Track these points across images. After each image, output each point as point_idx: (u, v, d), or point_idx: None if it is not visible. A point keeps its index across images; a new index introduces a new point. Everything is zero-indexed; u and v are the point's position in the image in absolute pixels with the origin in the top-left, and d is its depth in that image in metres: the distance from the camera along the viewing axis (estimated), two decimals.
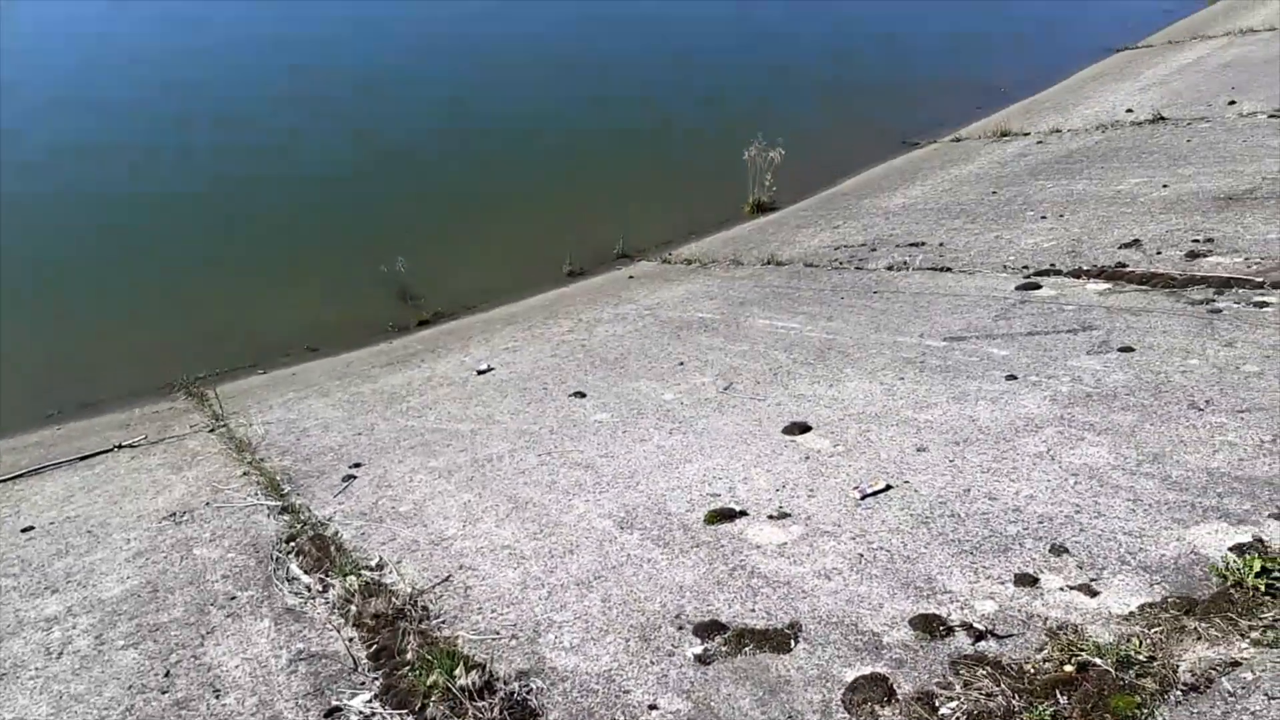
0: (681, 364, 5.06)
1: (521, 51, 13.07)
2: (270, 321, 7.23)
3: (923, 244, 6.64)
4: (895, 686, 2.27)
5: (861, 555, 2.86)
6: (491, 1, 14.90)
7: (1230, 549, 2.56)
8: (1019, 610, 2.47)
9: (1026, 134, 9.39)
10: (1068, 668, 2.21)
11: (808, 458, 3.62)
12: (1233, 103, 8.62)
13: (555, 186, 9.47)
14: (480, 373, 5.55)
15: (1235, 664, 2.14)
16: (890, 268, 6.28)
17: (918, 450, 3.51)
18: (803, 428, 3.91)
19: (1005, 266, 5.72)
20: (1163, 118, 8.64)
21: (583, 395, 4.83)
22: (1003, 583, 2.60)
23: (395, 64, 12.72)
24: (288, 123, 10.66)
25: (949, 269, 5.97)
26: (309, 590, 3.19)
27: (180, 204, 8.88)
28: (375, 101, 11.44)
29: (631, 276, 7.62)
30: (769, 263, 7.10)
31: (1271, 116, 7.86)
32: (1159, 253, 5.32)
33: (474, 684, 2.43)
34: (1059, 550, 2.71)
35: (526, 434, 4.40)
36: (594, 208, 9.03)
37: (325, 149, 10.13)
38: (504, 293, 7.63)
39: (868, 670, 2.34)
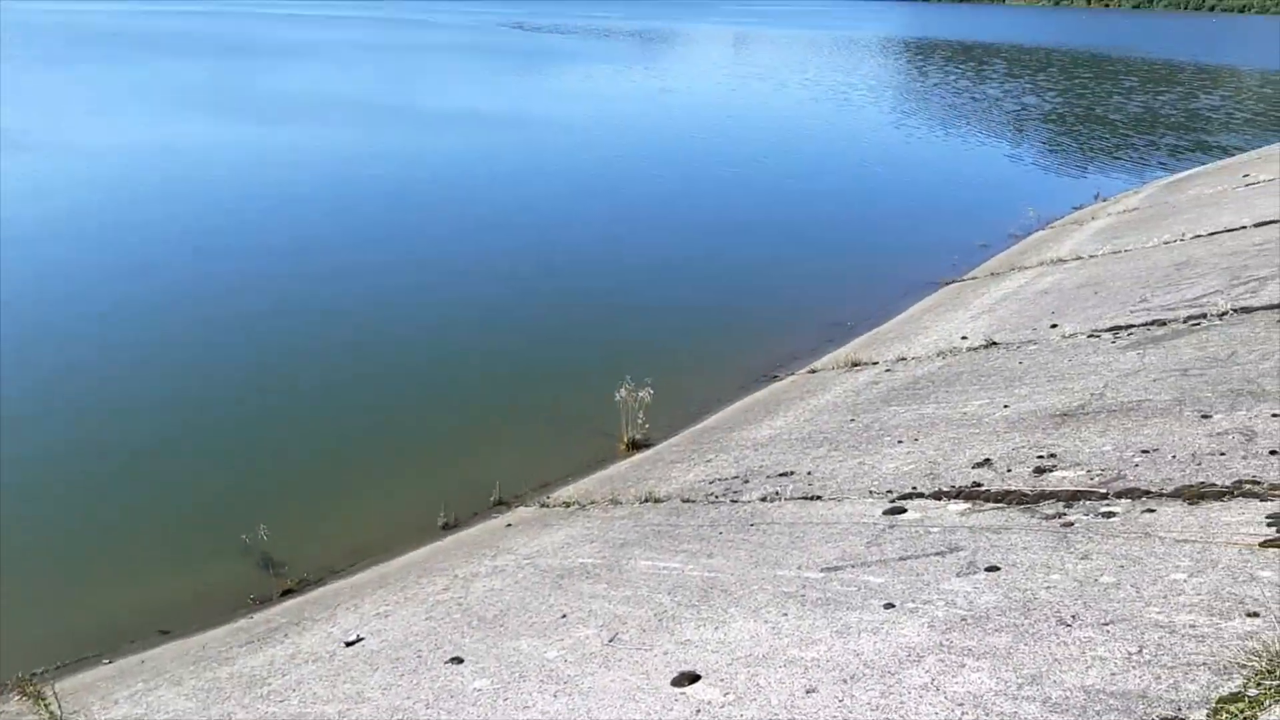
0: (564, 616, 4.89)
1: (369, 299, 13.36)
2: (115, 602, 6.68)
3: (792, 473, 6.84)
4: None
5: None
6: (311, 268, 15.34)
7: None
8: None
9: (875, 363, 10.04)
10: None
11: (699, 711, 3.48)
12: (1055, 325, 9.53)
13: (425, 432, 9.42)
14: (349, 644, 5.21)
15: None
16: (764, 499, 6.40)
17: (807, 692, 3.43)
18: (692, 677, 3.79)
19: (871, 492, 5.92)
20: (995, 342, 9.44)
21: (460, 661, 4.57)
22: None
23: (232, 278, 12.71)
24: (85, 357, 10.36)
25: (819, 497, 6.13)
26: None
27: None
28: (204, 327, 11.26)
29: (510, 524, 7.49)
30: (647, 500, 7.13)
31: (1090, 336, 8.70)
32: (1009, 470, 5.63)
33: None
34: None
35: (399, 711, 4.09)
36: (467, 452, 8.99)
37: (145, 390, 9.83)
38: (375, 551, 7.34)
39: None
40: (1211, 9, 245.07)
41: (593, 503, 7.55)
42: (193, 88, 38.50)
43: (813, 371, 10.57)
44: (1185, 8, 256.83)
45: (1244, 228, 12.18)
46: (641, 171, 22.85)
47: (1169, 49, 79.74)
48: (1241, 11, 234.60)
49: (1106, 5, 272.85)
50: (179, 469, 8.68)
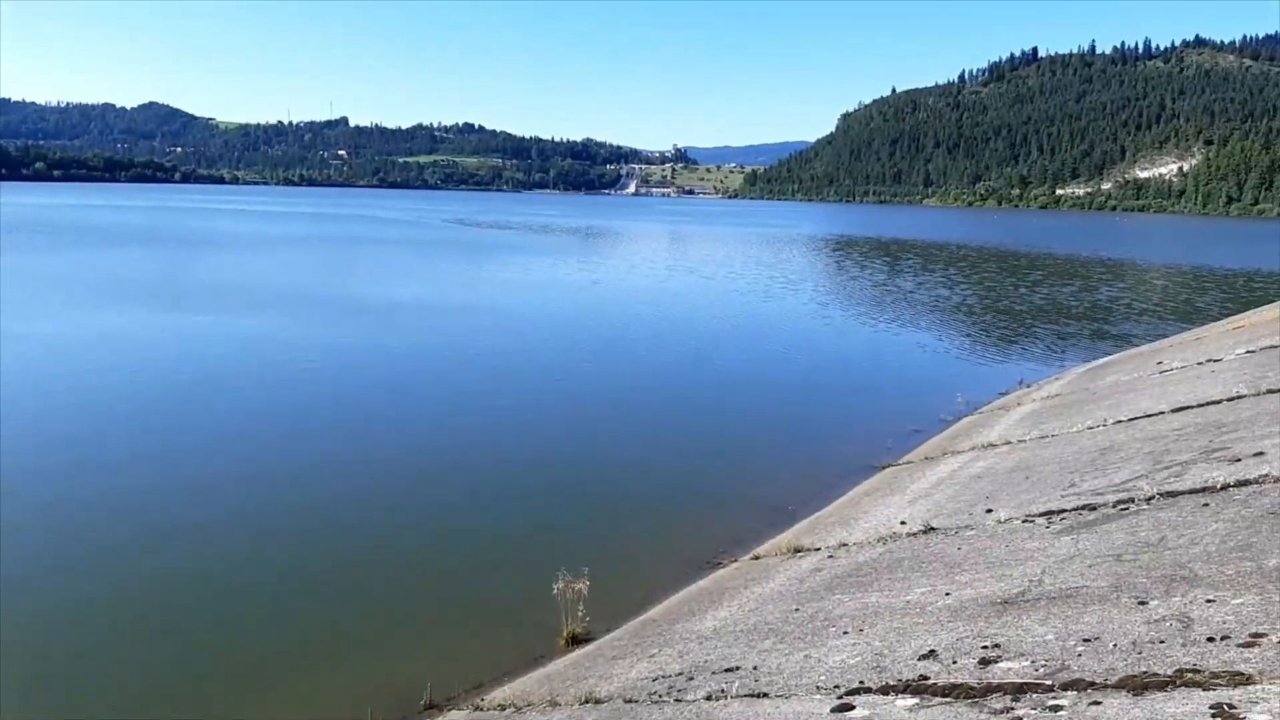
0: None
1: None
2: None
3: (738, 669, 6.62)
4: None
5: None
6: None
7: None
8: None
9: (818, 549, 10.00)
10: None
11: None
12: (990, 510, 9.66)
13: (352, 626, 8.95)
14: None
15: None
16: (709, 697, 6.16)
17: None
18: None
19: (818, 687, 5.75)
20: (933, 528, 9.51)
21: None
22: None
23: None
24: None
25: (766, 694, 5.92)
26: None
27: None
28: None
29: None
30: (587, 701, 6.80)
31: (1024, 521, 8.82)
32: (955, 662, 5.54)
33: None
34: None
35: None
36: (397, 650, 8.54)
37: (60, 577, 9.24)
38: None
39: None
40: (1114, 208, 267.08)
41: (529, 704, 7.18)
42: (139, 279, 38.77)
43: (756, 558, 10.47)
44: (1088, 208, 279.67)
45: (1162, 413, 12.72)
46: (572, 358, 23.28)
47: (1073, 245, 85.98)
48: (1141, 210, 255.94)
49: (1016, 206, 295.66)
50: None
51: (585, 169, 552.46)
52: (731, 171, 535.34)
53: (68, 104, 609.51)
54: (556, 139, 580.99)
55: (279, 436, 15.53)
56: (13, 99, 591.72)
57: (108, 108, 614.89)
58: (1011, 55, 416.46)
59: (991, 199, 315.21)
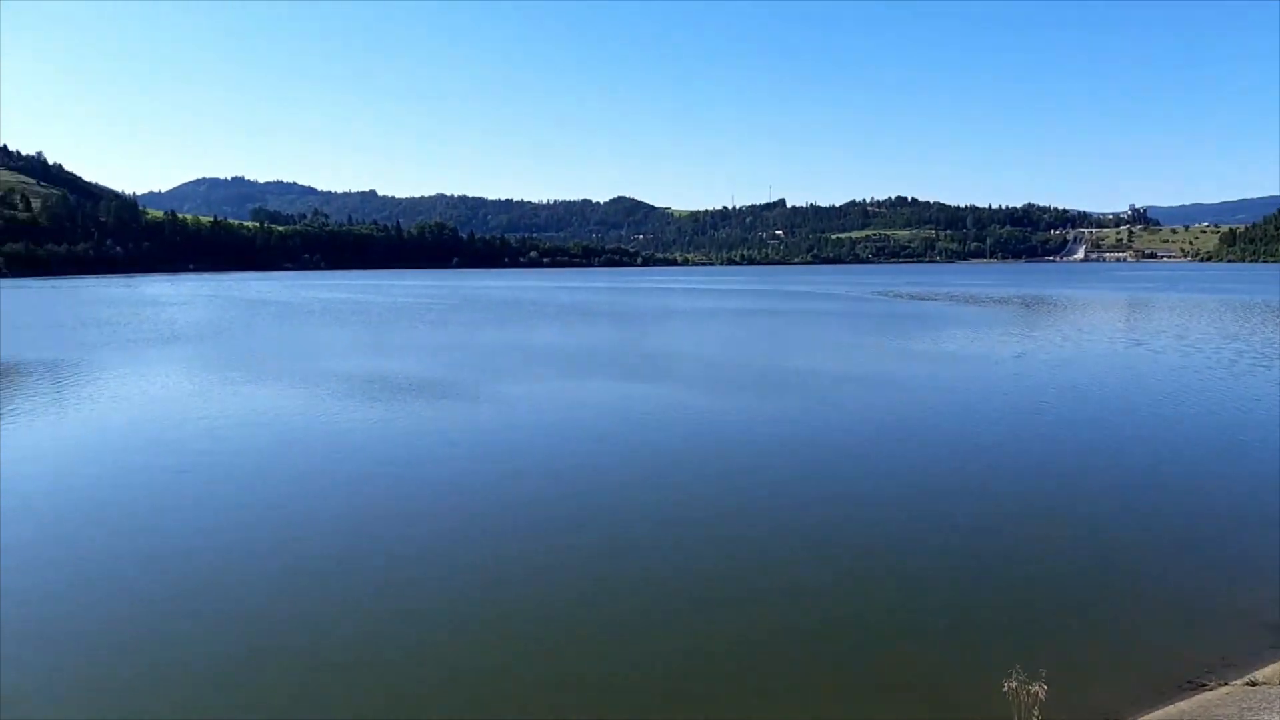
0: None
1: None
2: None
3: None
4: None
5: None
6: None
7: None
8: None
9: None
10: None
11: None
12: None
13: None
14: None
15: None
16: None
17: None
18: None
19: None
20: None
21: None
22: None
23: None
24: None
25: None
26: None
27: None
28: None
29: None
30: None
31: None
32: None
33: None
34: None
35: None
36: None
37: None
38: None
39: None
40: None
41: None
42: (593, 350, 43.82)
43: (1252, 684, 8.83)
44: None
45: None
46: (993, 436, 21.51)
47: None
48: None
49: None
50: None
51: (1025, 235, 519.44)
52: (1203, 231, 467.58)
53: (555, 201, 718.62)
54: (993, 206, 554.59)
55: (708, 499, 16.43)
56: (514, 199, 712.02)
57: (585, 203, 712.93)
58: None
59: None
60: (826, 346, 45.10)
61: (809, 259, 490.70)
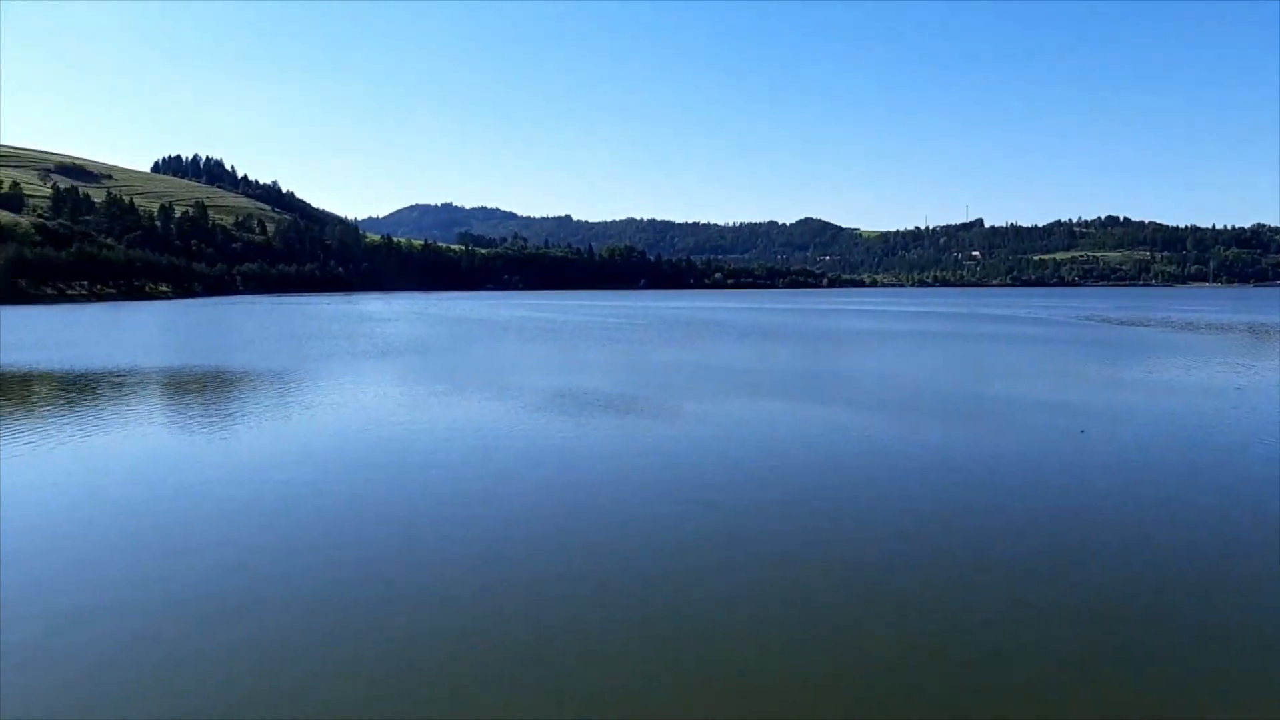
0: None
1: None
2: None
3: None
4: None
5: None
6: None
7: None
8: None
9: None
10: None
11: None
12: None
13: None
14: None
15: None
16: None
17: None
18: None
19: None
20: None
21: None
22: None
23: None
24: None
25: None
26: None
27: None
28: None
29: None
30: None
31: None
32: None
33: None
34: None
35: None
36: None
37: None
38: None
39: None
40: None
41: None
42: (787, 371, 44.15)
43: None
44: None
45: None
46: (1244, 476, 20.13)
47: None
48: None
49: None
50: None
51: (1255, 258, 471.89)
52: None
53: (741, 224, 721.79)
54: (1217, 226, 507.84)
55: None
56: (701, 222, 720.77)
57: (771, 225, 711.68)
58: None
59: None
60: (1024, 372, 43.31)
61: (1007, 281, 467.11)
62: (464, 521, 16.25)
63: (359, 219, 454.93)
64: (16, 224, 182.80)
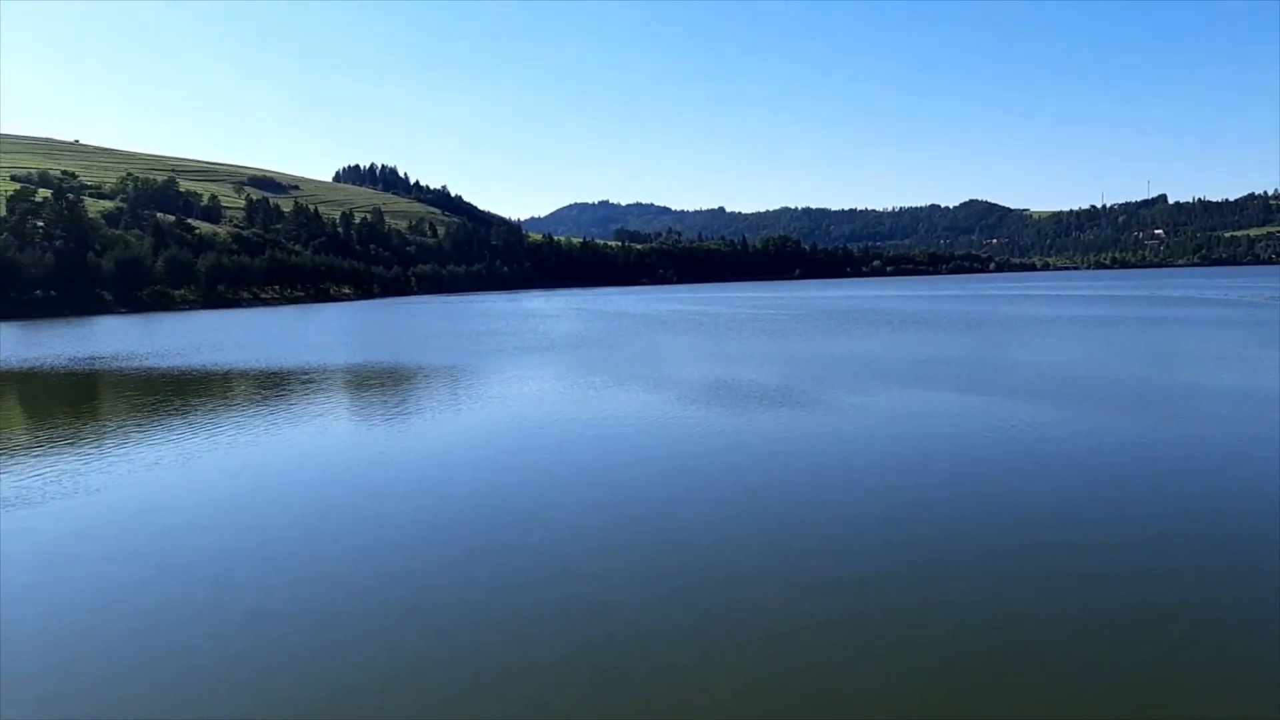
0: None
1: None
2: None
3: None
4: None
5: None
6: None
7: None
8: None
9: None
10: None
11: None
12: None
13: None
14: None
15: None
16: None
17: None
18: None
19: None
20: None
21: None
22: None
23: None
24: None
25: None
26: None
27: None
28: None
29: None
30: None
31: None
32: None
33: None
34: None
35: None
36: None
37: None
38: None
39: None
40: None
41: None
42: (940, 359, 43.40)
43: None
44: None
45: None
46: None
47: None
48: None
49: None
50: None
51: None
52: None
53: (900, 208, 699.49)
54: None
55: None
56: (858, 208, 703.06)
57: (933, 208, 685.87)
58: None
59: None
60: (1215, 359, 40.77)
61: (1195, 260, 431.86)
62: (642, 517, 17.49)
63: (522, 219, 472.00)
64: (215, 234, 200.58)
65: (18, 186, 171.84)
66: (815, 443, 23.38)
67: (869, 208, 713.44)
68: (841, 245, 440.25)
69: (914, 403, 29.41)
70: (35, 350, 65.23)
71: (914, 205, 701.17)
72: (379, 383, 40.72)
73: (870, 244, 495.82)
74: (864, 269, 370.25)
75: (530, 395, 34.28)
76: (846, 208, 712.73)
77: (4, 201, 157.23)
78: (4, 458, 23.71)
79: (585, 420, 27.46)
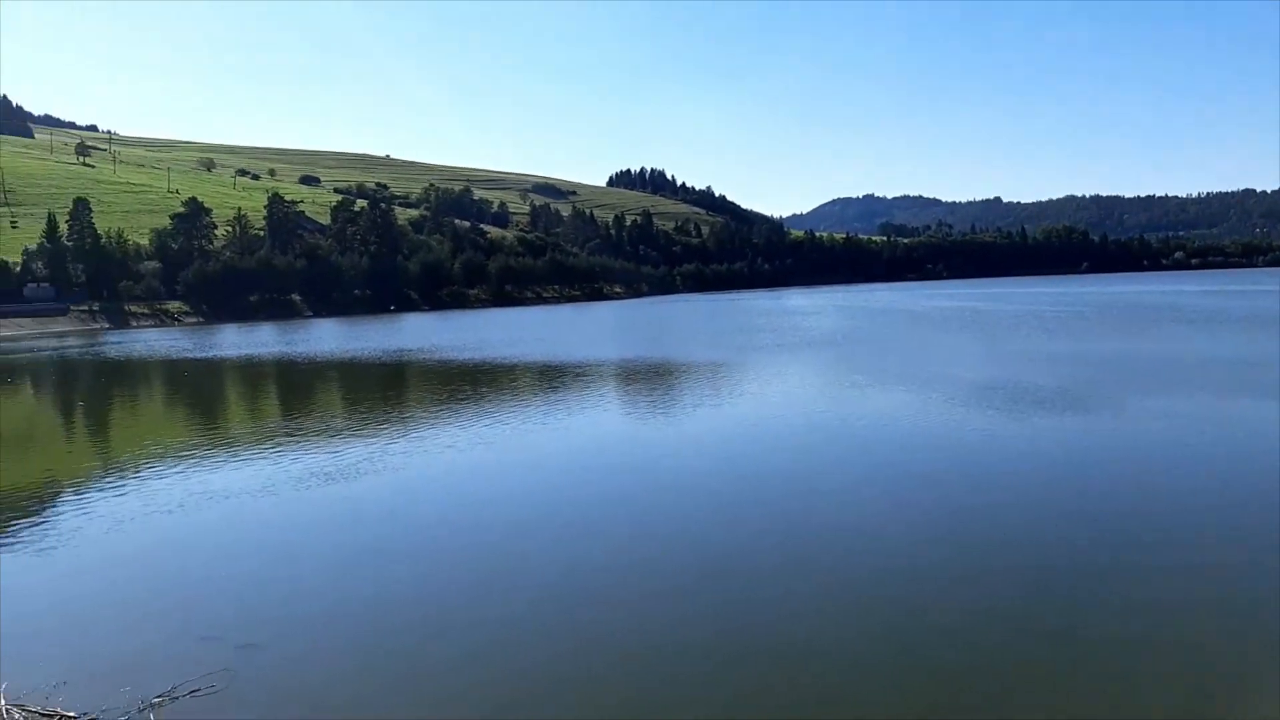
0: None
1: None
2: None
3: None
4: None
5: None
6: None
7: None
8: None
9: None
10: None
11: None
12: None
13: None
14: None
15: None
16: None
17: None
18: None
19: None
20: None
21: None
22: None
23: None
24: None
25: None
26: None
27: None
28: None
29: None
30: None
31: None
32: None
33: None
34: None
35: None
36: None
37: None
38: None
39: None
40: None
41: None
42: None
43: None
44: None
45: None
46: None
47: None
48: None
49: None
50: None
51: None
52: None
53: (1206, 194, 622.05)
54: None
55: None
56: (1155, 195, 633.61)
57: (1246, 193, 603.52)
58: None
59: None
60: None
61: None
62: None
63: (783, 216, 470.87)
64: (503, 238, 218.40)
65: (340, 198, 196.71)
66: (1088, 453, 22.63)
67: (1169, 194, 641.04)
68: (1137, 235, 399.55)
69: (1212, 410, 27.36)
70: (354, 343, 75.18)
71: (1223, 190, 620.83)
72: (646, 377, 43.43)
73: (1171, 234, 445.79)
74: (1164, 262, 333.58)
75: (780, 391, 35.45)
76: (1142, 194, 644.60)
77: (329, 212, 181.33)
78: (327, 436, 28.13)
79: (820, 418, 28.51)
